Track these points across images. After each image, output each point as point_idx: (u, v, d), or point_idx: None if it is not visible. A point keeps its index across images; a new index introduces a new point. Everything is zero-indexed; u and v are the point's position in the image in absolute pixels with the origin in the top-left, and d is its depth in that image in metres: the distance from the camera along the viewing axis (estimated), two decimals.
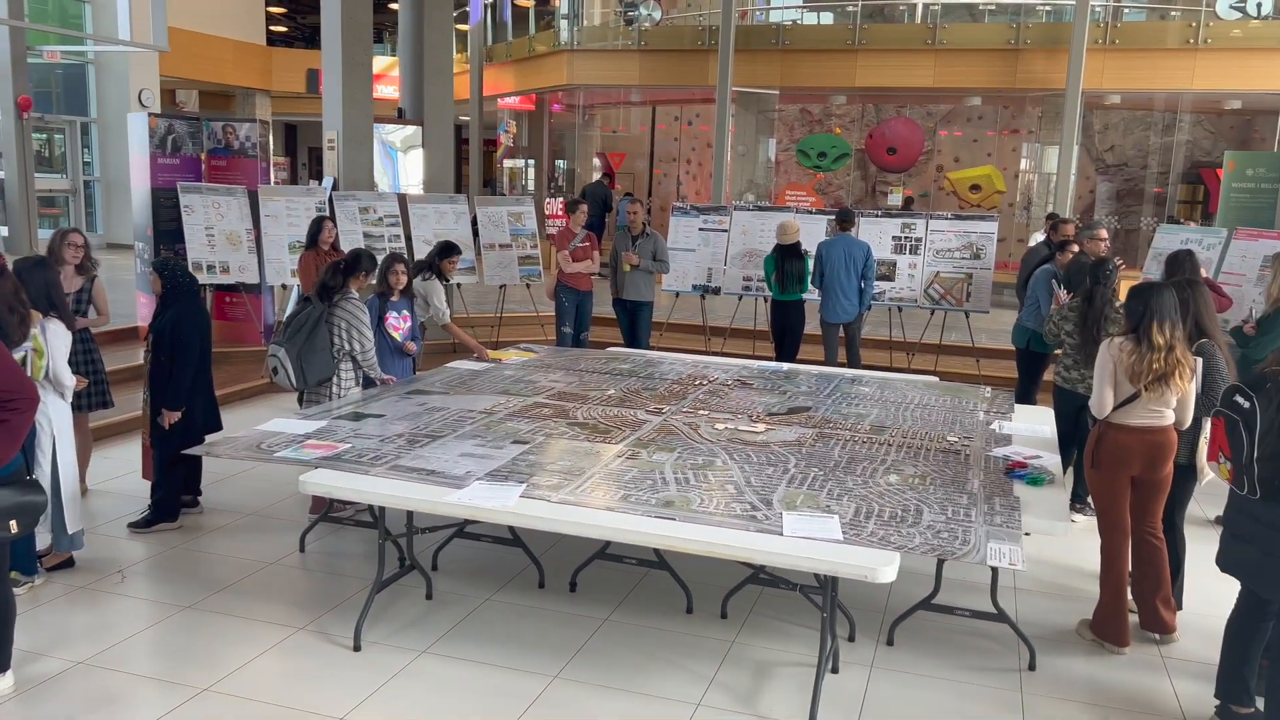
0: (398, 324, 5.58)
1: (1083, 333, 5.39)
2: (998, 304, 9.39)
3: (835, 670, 3.80)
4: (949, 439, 4.66)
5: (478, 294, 11.29)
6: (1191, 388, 3.94)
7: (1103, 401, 3.97)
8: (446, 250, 6.46)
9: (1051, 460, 4.33)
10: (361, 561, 4.71)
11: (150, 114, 9.12)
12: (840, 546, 3.26)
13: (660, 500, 3.64)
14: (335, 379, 5.11)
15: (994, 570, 3.89)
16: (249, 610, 4.21)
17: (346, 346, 5.09)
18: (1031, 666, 3.89)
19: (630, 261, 8.13)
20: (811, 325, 8.21)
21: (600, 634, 4.06)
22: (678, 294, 9.64)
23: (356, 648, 3.87)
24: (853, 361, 7.76)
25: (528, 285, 9.75)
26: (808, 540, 3.30)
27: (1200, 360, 4.08)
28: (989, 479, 4.05)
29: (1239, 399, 3.31)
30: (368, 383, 5.38)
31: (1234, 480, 3.32)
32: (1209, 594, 4.40)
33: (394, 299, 5.58)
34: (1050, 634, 4.17)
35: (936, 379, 6.29)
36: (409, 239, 9.36)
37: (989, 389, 5.94)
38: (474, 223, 10.03)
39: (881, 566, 3.12)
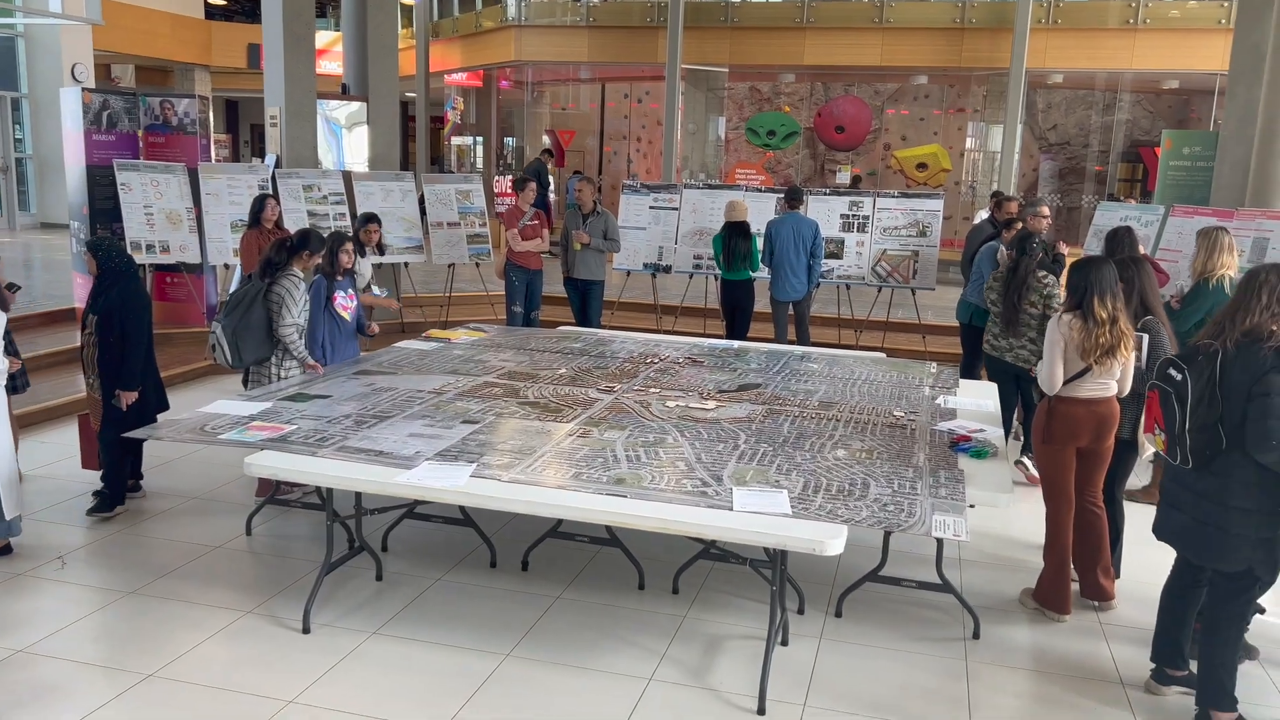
0: (346, 304, 5.50)
1: (1004, 300, 5.70)
2: (943, 281, 9.53)
3: (785, 643, 3.85)
4: (895, 414, 4.73)
5: (426, 273, 11.18)
6: (1132, 357, 4.04)
7: (1053, 377, 4.06)
8: (366, 220, 6.53)
9: (995, 434, 4.41)
10: (309, 544, 4.65)
11: (84, 89, 8.85)
12: (789, 520, 3.30)
13: (612, 478, 3.65)
14: (275, 359, 5.03)
15: (939, 542, 3.96)
16: (194, 595, 4.14)
17: (277, 321, 5.03)
18: (976, 635, 3.98)
19: (581, 240, 8.09)
20: (762, 303, 8.27)
21: (552, 612, 4.07)
22: (629, 272, 9.64)
23: (305, 630, 3.83)
24: (802, 339, 7.82)
25: (477, 264, 9.67)
26: (757, 515, 3.33)
27: (1145, 337, 4.19)
28: (934, 453, 4.12)
29: (1171, 371, 3.40)
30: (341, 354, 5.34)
31: (1168, 450, 3.42)
32: (1146, 563, 4.53)
33: (340, 278, 5.49)
34: (994, 603, 4.27)
35: (884, 355, 6.37)
36: (355, 217, 9.20)
37: (934, 364, 6.04)
38: (421, 201, 9.91)
39: (829, 539, 3.16)
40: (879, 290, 8.97)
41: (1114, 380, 4.08)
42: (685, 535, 3.44)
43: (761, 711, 3.37)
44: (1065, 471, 4.12)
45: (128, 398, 4.84)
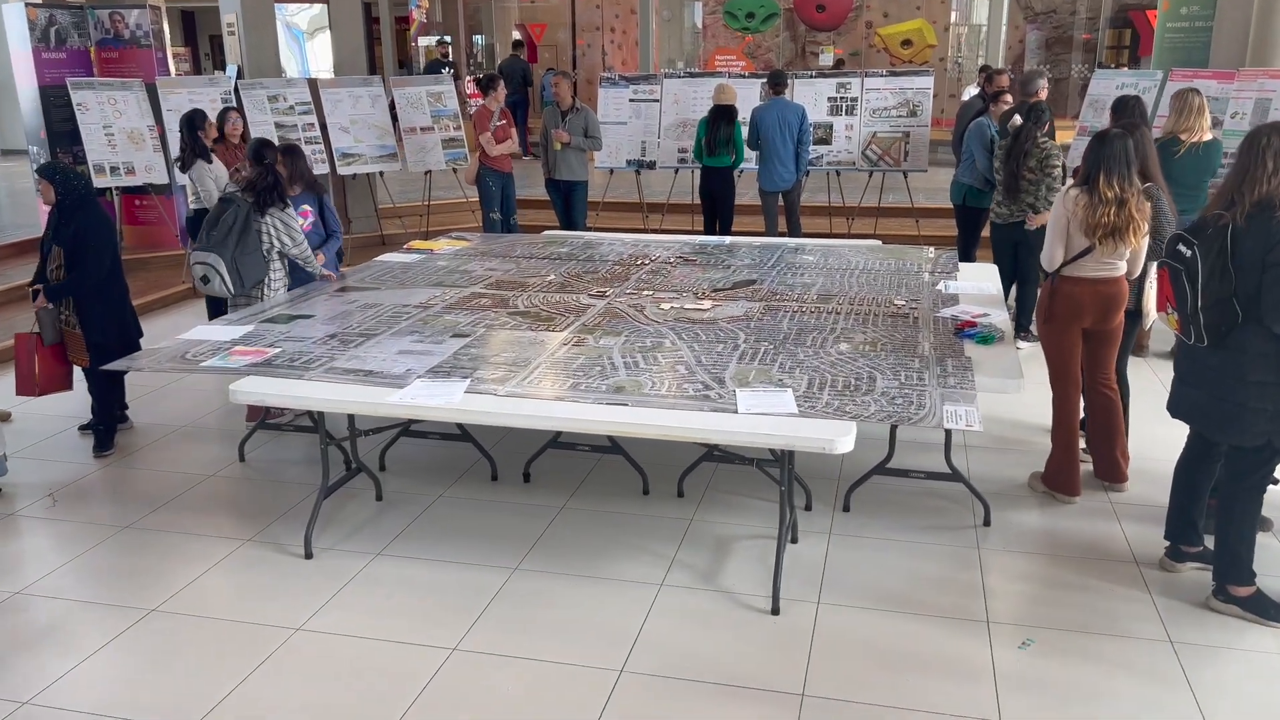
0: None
1: (1006, 167, 6.01)
2: (933, 162, 9.29)
3: (795, 540, 3.81)
4: (896, 303, 4.61)
5: (402, 183, 10.87)
6: (1144, 242, 3.90)
7: (1053, 255, 3.92)
8: (196, 121, 6.04)
9: (1000, 317, 4.30)
10: (305, 467, 4.56)
11: (28, 4, 8.38)
12: (796, 420, 3.20)
13: (611, 386, 3.54)
14: (266, 280, 4.86)
15: (947, 431, 3.89)
16: (192, 525, 4.07)
17: (278, 245, 4.85)
18: (986, 522, 3.95)
19: (561, 139, 7.82)
20: (748, 196, 8.06)
21: (558, 523, 4.01)
22: (612, 171, 9.36)
23: (308, 555, 3.77)
24: (793, 230, 7.65)
25: (454, 170, 9.37)
26: (763, 416, 3.23)
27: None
28: (939, 341, 4.01)
29: (1181, 248, 3.27)
30: (294, 282, 5.13)
31: (1181, 329, 3.31)
32: (1154, 439, 4.49)
33: (295, 193, 5.23)
34: (1003, 489, 4.23)
35: (879, 242, 6.22)
36: (324, 126, 8.87)
37: (932, 249, 5.89)
38: (392, 107, 9.53)
39: (839, 438, 3.07)
40: (870, 175, 8.74)
41: (1122, 261, 3.95)
42: (690, 441, 3.35)
43: (776, 611, 3.34)
44: (1069, 352, 4.02)
45: (41, 302, 4.71)
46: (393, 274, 5.38)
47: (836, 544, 3.81)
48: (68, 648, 3.24)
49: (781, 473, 3.46)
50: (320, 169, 8.76)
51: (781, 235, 7.57)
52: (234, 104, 8.06)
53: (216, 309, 5.53)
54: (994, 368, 3.69)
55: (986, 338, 3.99)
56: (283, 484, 4.46)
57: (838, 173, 8.78)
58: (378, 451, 4.64)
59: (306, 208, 5.28)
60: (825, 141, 8.59)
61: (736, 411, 3.27)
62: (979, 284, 4.98)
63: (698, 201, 8.11)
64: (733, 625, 3.28)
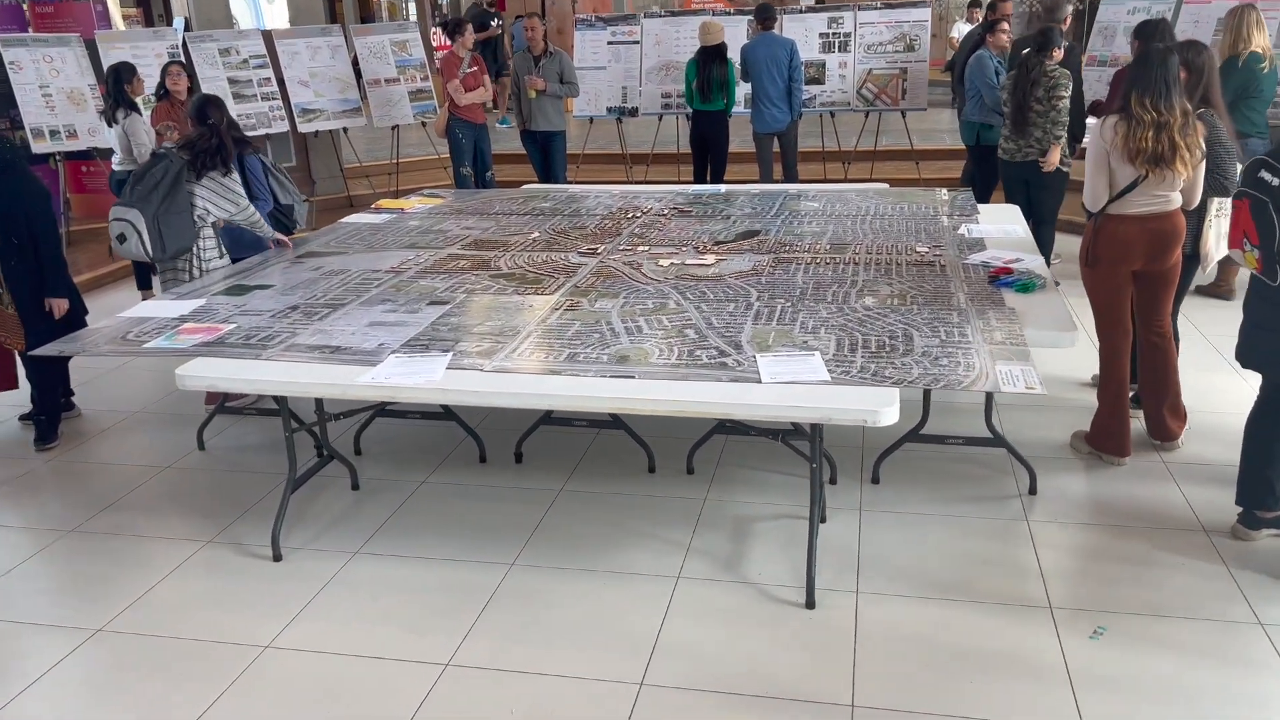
0: None
1: (1013, 98, 5.60)
2: (931, 103, 8.82)
3: (823, 519, 3.42)
4: (918, 250, 4.18)
5: (369, 139, 10.30)
6: (1201, 167, 3.48)
7: (1095, 193, 3.51)
8: (123, 74, 5.69)
9: (1035, 262, 3.89)
10: (271, 455, 4.11)
11: None
12: (829, 389, 2.78)
13: (613, 355, 3.10)
14: (195, 250, 4.34)
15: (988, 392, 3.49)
16: (145, 527, 3.62)
17: (214, 215, 4.33)
18: (1032, 490, 3.57)
19: (535, 86, 7.30)
20: (742, 141, 7.57)
21: (556, 509, 3.59)
22: (591, 119, 8.83)
23: (276, 558, 3.34)
24: (789, 176, 7.19)
25: (423, 123, 8.81)
26: (791, 385, 2.81)
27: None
28: (974, 291, 3.60)
29: (1265, 175, 2.86)
30: (238, 254, 4.62)
31: (1264, 268, 2.91)
32: (1203, 390, 4.12)
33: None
34: (1041, 451, 3.84)
35: (886, 186, 5.78)
36: (281, 81, 8.28)
37: (944, 191, 5.46)
38: (355, 63, 8.92)
39: (882, 408, 2.66)
40: (865, 116, 8.26)
41: (1174, 192, 3.54)
42: (711, 418, 2.93)
43: (811, 605, 2.95)
44: (1117, 297, 3.62)
45: (60, 305, 4.21)
46: (360, 236, 4.90)
47: (869, 522, 3.42)
48: (2, 677, 2.81)
49: (812, 448, 3.05)
50: (280, 127, 8.20)
51: (777, 183, 7.11)
52: (180, 58, 7.46)
53: (146, 280, 5.02)
54: (1042, 318, 3.28)
55: (1027, 285, 3.57)
56: (247, 475, 4.01)
57: (832, 114, 8.30)
58: (352, 434, 4.19)
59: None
60: (818, 81, 8.10)
61: (760, 381, 2.85)
62: (1004, 227, 4.56)
63: (685, 150, 7.63)
64: (764, 624, 2.89)
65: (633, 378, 2.93)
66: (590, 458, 3.98)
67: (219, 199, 4.31)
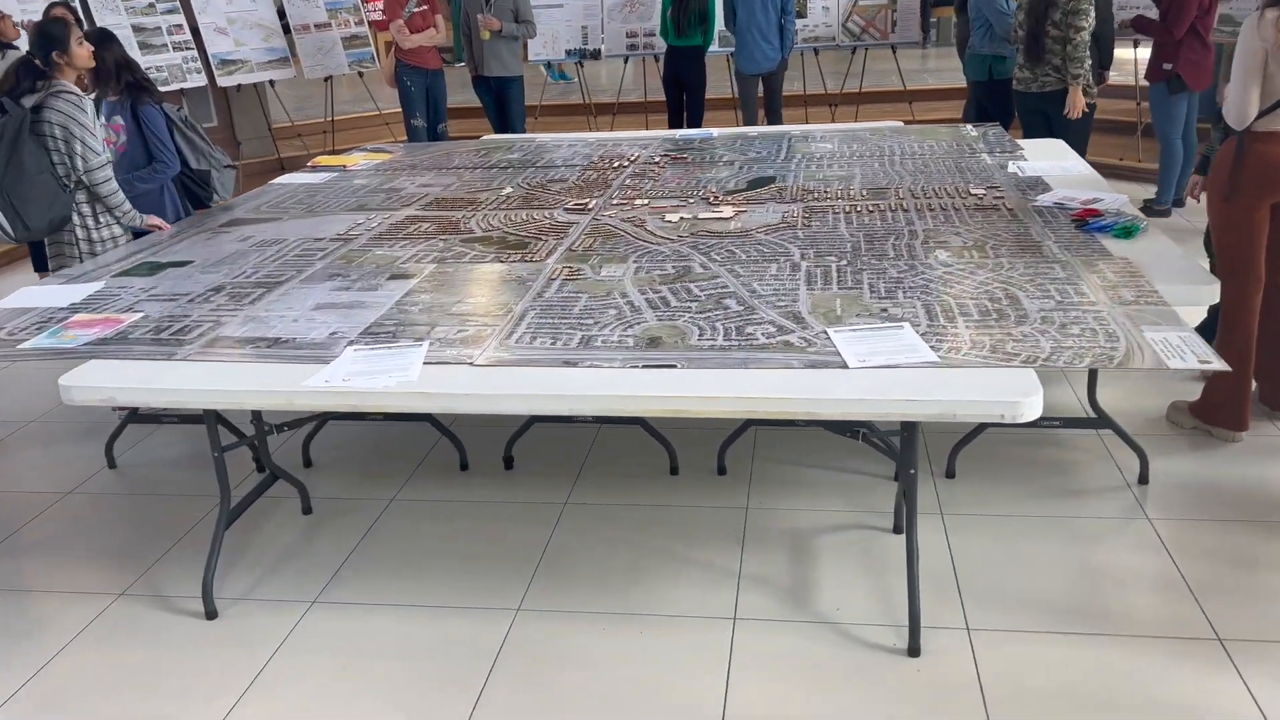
0: (109, 137, 3.83)
1: (1027, 22, 5.04)
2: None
3: (898, 529, 2.76)
4: (974, 192, 3.51)
5: (298, 95, 9.32)
6: None
7: (1244, 106, 2.85)
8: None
9: (1119, 200, 3.25)
10: (202, 469, 3.33)
11: None
12: (942, 374, 2.10)
13: (640, 338, 2.38)
14: (78, 218, 3.50)
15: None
16: (38, 577, 2.84)
17: (72, 164, 3.46)
18: (1143, 479, 2.94)
19: (489, 27, 6.46)
20: (714, 84, 6.82)
21: (563, 528, 2.88)
22: (548, 64, 7.99)
23: (210, 614, 2.58)
24: (774, 122, 6.46)
25: (360, 73, 7.90)
26: (890, 370, 2.12)
27: None
28: (1063, 238, 2.94)
29: None
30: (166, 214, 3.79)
31: None
32: None
33: (109, 96, 3.81)
34: (1133, 427, 3.21)
35: (901, 124, 5.10)
36: (195, 29, 7.30)
37: (970, 126, 4.80)
38: (280, 12, 7.95)
39: (1024, 398, 1.98)
40: (852, 53, 7.56)
41: None
42: (808, 420, 2.24)
43: (915, 652, 2.28)
44: (1255, 236, 2.98)
45: None
46: (296, 199, 4.08)
47: (956, 529, 2.76)
48: None
49: (904, 447, 2.37)
50: (196, 81, 7.25)
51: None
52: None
53: (43, 260, 4.15)
54: (1165, 269, 2.63)
55: (1129, 229, 2.92)
56: (170, 498, 3.23)
57: (815, 51, 7.58)
58: (299, 441, 3.42)
59: (118, 120, 3.80)
60: (800, 15, 7.35)
61: (845, 366, 2.16)
62: (1059, 163, 3.92)
63: (654, 98, 6.86)
64: (858, 678, 2.22)
65: (675, 367, 2.22)
66: (596, 459, 3.28)
67: (63, 145, 3.40)
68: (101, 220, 3.51)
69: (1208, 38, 5.36)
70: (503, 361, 2.30)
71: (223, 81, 7.42)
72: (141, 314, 2.76)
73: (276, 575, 2.75)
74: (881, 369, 2.13)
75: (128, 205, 3.53)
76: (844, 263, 2.83)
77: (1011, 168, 3.85)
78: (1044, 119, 5.15)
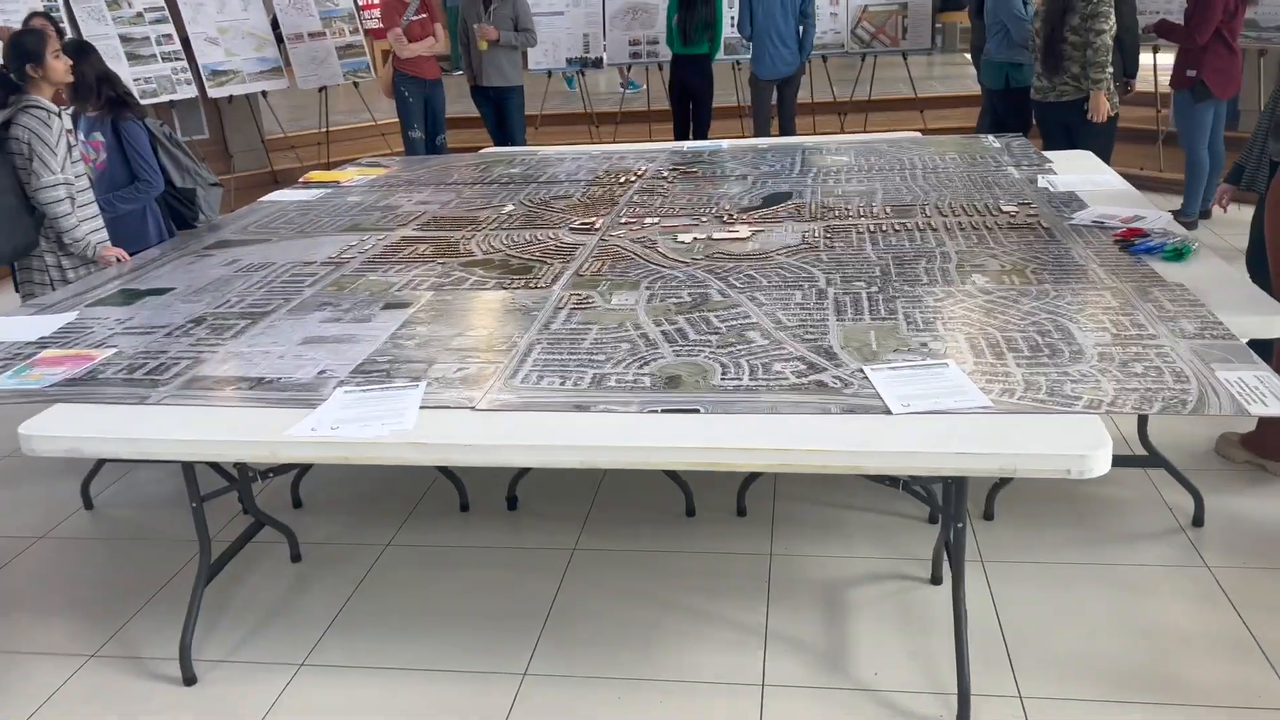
0: (88, 155, 3.61)
1: (1044, 28, 4.84)
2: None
3: (937, 580, 2.54)
4: (1005, 210, 3.30)
5: (292, 106, 9.12)
6: None
7: None
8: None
9: (1162, 219, 3.04)
10: (185, 511, 3.11)
11: None
12: (996, 421, 1.88)
13: (658, 376, 2.17)
14: (45, 243, 3.29)
15: None
16: (2, 635, 2.61)
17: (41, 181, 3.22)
18: (1196, 521, 2.73)
19: (487, 36, 6.25)
20: (722, 90, 6.62)
21: (573, 578, 2.67)
22: (550, 73, 7.79)
23: (189, 679, 2.36)
24: (786, 131, 6.26)
25: (355, 84, 7.70)
26: (937, 416, 1.91)
27: None
28: (1108, 261, 2.73)
29: None
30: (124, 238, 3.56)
31: None
32: None
33: (89, 112, 3.61)
34: (1179, 463, 2.99)
35: (919, 134, 4.89)
36: (185, 40, 7.09)
37: (993, 138, 4.59)
38: (273, 21, 7.75)
39: (1092, 451, 1.77)
40: (861, 60, 7.36)
41: None
42: (850, 472, 2.03)
43: None
44: None
45: None
46: (286, 219, 3.87)
47: (1000, 579, 2.55)
48: None
49: (949, 499, 2.16)
50: (186, 93, 7.04)
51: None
52: (55, 8, 6.27)
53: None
54: (1226, 296, 2.42)
55: (1180, 251, 2.71)
56: (152, 543, 3.02)
57: (824, 58, 7.37)
58: (288, 479, 3.21)
59: (98, 137, 3.59)
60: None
61: (888, 411, 1.94)
62: (1091, 177, 3.71)
63: (657, 106, 6.67)
64: None
65: (698, 411, 2.01)
66: (606, 498, 3.06)
67: (26, 165, 3.20)
68: (63, 258, 3.30)
69: (1234, 43, 5.16)
70: (507, 405, 2.08)
71: (214, 93, 7.21)
72: (115, 349, 2.54)
73: (261, 634, 2.53)
74: (929, 415, 1.92)
75: (80, 232, 3.28)
76: (874, 289, 2.62)
77: (1042, 182, 3.64)
78: (1064, 129, 4.96)
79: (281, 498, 3.14)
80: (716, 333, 2.40)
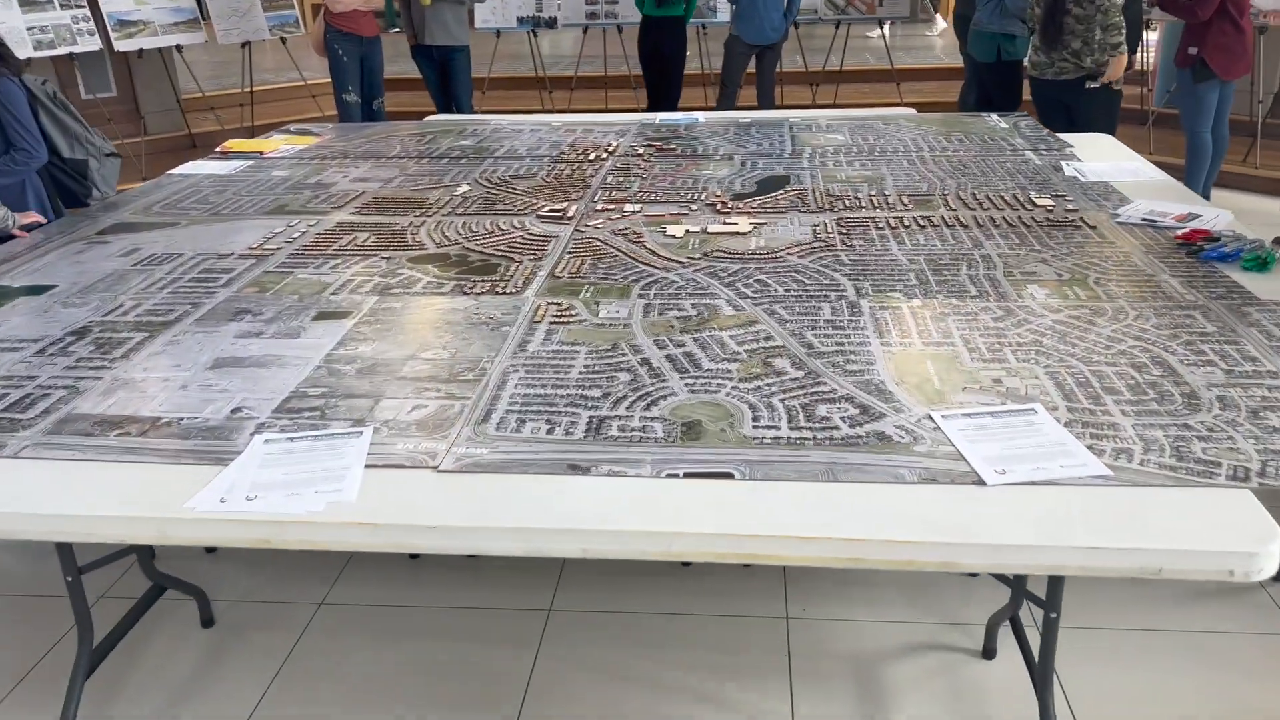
0: None
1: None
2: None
3: (990, 653, 2.14)
4: (1039, 203, 2.89)
5: (213, 63, 8.36)
6: None
7: None
8: None
9: (1223, 216, 2.66)
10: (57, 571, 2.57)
11: None
12: (1128, 496, 1.46)
13: (672, 420, 1.70)
14: None
15: None
16: None
17: None
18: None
19: None
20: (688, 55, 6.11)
21: (549, 651, 2.20)
22: (498, 33, 7.18)
23: None
24: (765, 102, 5.79)
25: (283, 39, 7.00)
26: (1044, 489, 1.48)
27: None
28: (1176, 268, 2.33)
29: None
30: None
31: None
32: None
33: None
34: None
35: (914, 110, 4.46)
36: (98, 14, 6.32)
37: (997, 116, 4.18)
38: None
39: (1261, 546, 1.35)
40: (835, 28, 6.90)
41: None
42: (943, 570, 1.60)
43: None
44: None
45: None
46: (199, 197, 3.30)
47: (1064, 647, 2.13)
48: None
49: (1051, 592, 1.73)
50: (89, 45, 6.29)
51: (746, 108, 5.71)
52: None
53: None
54: None
55: (1263, 259, 2.32)
56: (26, 608, 2.47)
57: (795, 25, 6.89)
58: None
59: None
60: None
61: (981, 481, 1.50)
62: (1120, 164, 3.33)
63: (615, 72, 6.15)
64: None
65: (731, 476, 1.55)
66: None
67: None
68: None
69: (1242, 20, 4.82)
70: (480, 464, 1.60)
71: (121, 46, 6.45)
72: None
73: (168, 713, 2.02)
74: (1033, 486, 1.49)
75: None
76: (915, 301, 2.19)
77: (1069, 170, 3.24)
78: (1063, 109, 4.58)
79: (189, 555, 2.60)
80: (735, 359, 1.94)
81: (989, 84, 5.24)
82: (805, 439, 1.64)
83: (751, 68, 5.94)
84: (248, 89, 7.12)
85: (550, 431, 1.69)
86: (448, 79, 6.03)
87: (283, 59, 7.55)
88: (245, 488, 1.55)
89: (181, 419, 1.77)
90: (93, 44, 6.24)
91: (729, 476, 1.54)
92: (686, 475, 1.55)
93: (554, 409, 1.76)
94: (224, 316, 2.24)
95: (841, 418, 1.70)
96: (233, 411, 1.80)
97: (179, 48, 6.83)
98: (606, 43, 6.94)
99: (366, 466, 1.59)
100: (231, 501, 1.52)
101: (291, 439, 1.69)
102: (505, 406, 1.78)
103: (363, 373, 1.93)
